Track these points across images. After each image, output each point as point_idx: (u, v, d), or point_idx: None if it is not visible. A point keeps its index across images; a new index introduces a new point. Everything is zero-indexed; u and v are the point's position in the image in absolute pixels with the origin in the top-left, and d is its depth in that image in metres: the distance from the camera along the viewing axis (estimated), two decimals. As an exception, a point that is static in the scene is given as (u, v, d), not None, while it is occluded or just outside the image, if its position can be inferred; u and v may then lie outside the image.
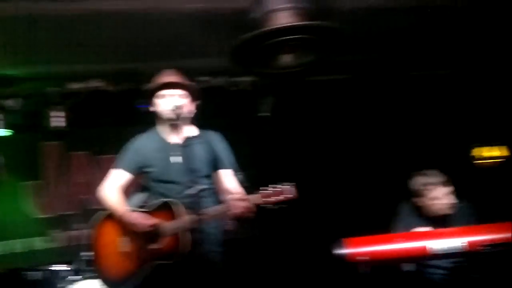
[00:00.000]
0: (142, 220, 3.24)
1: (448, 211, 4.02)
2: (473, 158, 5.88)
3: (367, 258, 3.40)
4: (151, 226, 3.20)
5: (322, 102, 5.93)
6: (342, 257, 3.44)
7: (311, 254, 5.16)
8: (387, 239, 3.56)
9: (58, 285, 4.75)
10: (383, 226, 4.04)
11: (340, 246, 3.47)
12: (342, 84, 5.83)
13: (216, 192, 3.46)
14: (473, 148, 5.91)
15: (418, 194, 4.08)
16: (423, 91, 5.76)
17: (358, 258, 3.40)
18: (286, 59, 4.51)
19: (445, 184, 4.02)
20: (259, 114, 5.73)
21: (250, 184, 3.26)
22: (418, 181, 4.10)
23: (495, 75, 5.62)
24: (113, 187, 3.45)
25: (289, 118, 6.08)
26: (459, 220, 3.97)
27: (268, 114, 5.70)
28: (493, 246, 3.32)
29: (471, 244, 3.36)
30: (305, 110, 6.04)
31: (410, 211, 4.15)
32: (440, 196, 4.00)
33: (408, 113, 5.85)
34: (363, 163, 5.94)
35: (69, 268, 4.88)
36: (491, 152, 6.03)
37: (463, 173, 4.91)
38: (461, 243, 3.36)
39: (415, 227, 3.91)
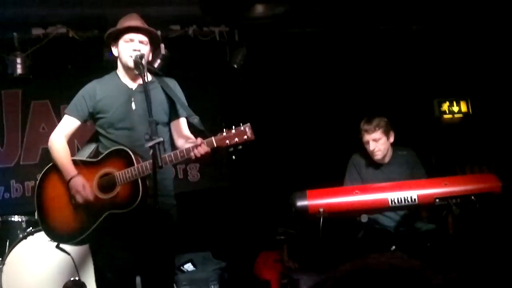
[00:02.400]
0: (82, 191, 3.23)
1: (380, 157, 4.24)
2: (436, 112, 6.15)
3: (330, 210, 3.66)
4: (87, 200, 3.22)
5: (296, 55, 6.08)
6: (304, 209, 3.68)
7: (273, 205, 5.40)
8: (348, 191, 3.81)
9: (14, 236, 4.63)
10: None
11: (303, 197, 3.71)
12: (316, 37, 5.98)
13: (171, 140, 3.51)
14: (437, 102, 6.16)
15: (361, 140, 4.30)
16: (391, 45, 5.99)
17: (320, 210, 3.65)
18: (259, 9, 4.64)
19: (375, 129, 4.18)
20: (230, 65, 5.82)
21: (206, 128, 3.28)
22: (360, 126, 4.30)
23: (462, 31, 5.87)
24: (61, 136, 3.43)
25: (260, 70, 6.20)
26: (401, 167, 4.25)
27: (239, 66, 5.79)
28: (441, 199, 3.60)
29: (421, 197, 3.66)
30: (278, 62, 6.17)
31: (361, 159, 4.40)
32: (368, 141, 4.21)
33: (375, 67, 6.07)
34: (332, 115, 6.18)
35: (26, 220, 4.77)
36: (453, 107, 6.30)
37: (425, 127, 5.15)
38: (415, 195, 3.65)
39: (362, 174, 4.26)
